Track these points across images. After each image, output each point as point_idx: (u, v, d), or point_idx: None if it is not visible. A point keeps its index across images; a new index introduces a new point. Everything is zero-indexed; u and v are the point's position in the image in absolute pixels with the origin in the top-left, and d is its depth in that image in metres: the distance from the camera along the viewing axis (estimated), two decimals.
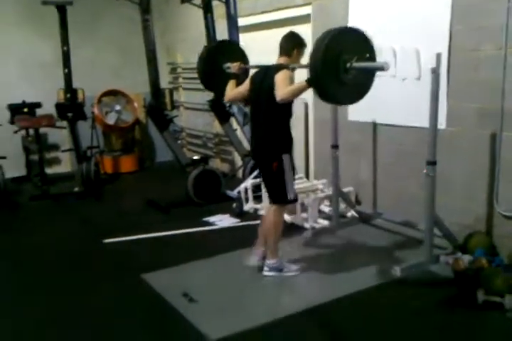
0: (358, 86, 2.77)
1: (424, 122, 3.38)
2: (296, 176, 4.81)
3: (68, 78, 5.18)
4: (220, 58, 3.53)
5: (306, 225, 4.02)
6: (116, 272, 3.37)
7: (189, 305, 2.80)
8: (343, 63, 2.60)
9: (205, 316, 2.69)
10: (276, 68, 2.90)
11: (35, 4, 6.04)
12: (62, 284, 3.20)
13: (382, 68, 2.56)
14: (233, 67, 3.34)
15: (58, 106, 5.25)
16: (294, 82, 2.83)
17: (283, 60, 3.01)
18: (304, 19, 4.67)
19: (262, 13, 5.19)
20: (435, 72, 2.97)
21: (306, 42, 3.09)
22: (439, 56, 2.96)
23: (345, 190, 4.14)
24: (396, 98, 3.83)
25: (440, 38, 3.39)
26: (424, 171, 3.10)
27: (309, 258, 3.48)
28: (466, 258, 3.08)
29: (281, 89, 2.76)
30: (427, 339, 2.48)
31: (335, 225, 3.98)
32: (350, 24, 4.14)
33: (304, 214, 4.12)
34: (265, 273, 3.14)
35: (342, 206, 4.14)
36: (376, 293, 2.93)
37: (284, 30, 3.16)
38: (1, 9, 6.10)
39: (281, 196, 3.07)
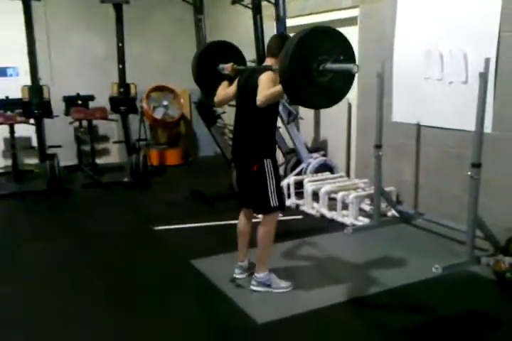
0: (335, 89, 2.58)
1: (469, 125, 3.46)
2: (337, 174, 4.97)
3: (122, 73, 5.44)
4: (216, 59, 3.26)
5: (347, 222, 4.14)
6: (167, 257, 3.58)
7: (237, 290, 2.99)
8: (316, 65, 2.43)
9: (252, 301, 2.88)
10: (261, 70, 2.81)
11: (89, 2, 6.38)
12: (114, 268, 3.42)
13: (350, 70, 2.39)
14: (226, 68, 3.13)
15: (112, 99, 5.53)
16: (277, 84, 2.65)
17: (270, 61, 2.87)
18: (351, 21, 4.78)
19: (310, 14, 5.32)
20: (483, 77, 3.05)
21: None
22: (487, 61, 3.03)
23: (387, 189, 4.23)
24: (441, 101, 3.91)
25: (488, 42, 3.45)
26: (469, 173, 3.18)
27: (350, 254, 3.61)
28: (508, 260, 3.13)
29: (261, 92, 2.64)
30: (473, 336, 2.57)
31: (376, 223, 4.07)
32: (398, 27, 4.24)
33: (345, 211, 4.24)
34: (253, 287, 2.98)
35: (383, 205, 4.23)
36: (416, 289, 3.02)
37: None
38: (60, 7, 6.43)
39: (263, 204, 2.89)
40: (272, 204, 2.88)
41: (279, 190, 2.92)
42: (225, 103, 3.21)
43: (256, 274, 2.99)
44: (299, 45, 2.39)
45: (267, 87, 2.65)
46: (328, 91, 2.55)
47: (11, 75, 6.35)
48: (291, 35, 2.58)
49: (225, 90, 3.09)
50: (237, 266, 3.17)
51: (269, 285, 2.97)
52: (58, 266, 3.47)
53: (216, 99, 3.15)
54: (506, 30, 3.35)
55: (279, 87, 2.56)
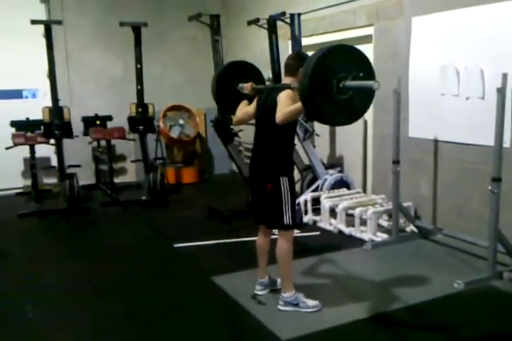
0: (355, 106, 2.59)
1: (486, 140, 3.49)
2: (354, 190, 4.98)
3: (140, 94, 5.55)
4: (234, 78, 3.32)
5: (365, 238, 4.13)
6: (188, 274, 3.60)
7: (259, 307, 2.99)
8: (336, 83, 2.45)
9: (274, 318, 2.87)
10: (280, 89, 2.85)
11: (106, 24, 6.57)
12: (136, 284, 3.44)
13: (370, 87, 2.38)
14: (245, 87, 3.16)
15: (130, 119, 5.63)
16: (296, 102, 2.69)
17: (288, 80, 2.90)
18: (365, 39, 4.85)
19: (324, 33, 5.41)
20: (501, 92, 3.08)
21: None
22: (505, 76, 3.07)
23: (405, 204, 4.23)
24: (458, 116, 3.93)
25: (505, 57, 3.49)
26: (489, 188, 3.18)
27: (370, 270, 3.60)
28: None
29: (280, 110, 2.68)
30: None
31: (394, 239, 4.07)
32: (413, 44, 4.30)
33: (363, 227, 4.24)
34: (280, 307, 2.96)
35: (401, 221, 4.23)
36: (438, 305, 3.00)
37: None
38: (78, 29, 6.62)
39: (276, 220, 2.92)
40: (285, 222, 2.90)
41: (293, 208, 2.93)
42: (244, 122, 3.23)
43: (282, 294, 2.98)
44: (319, 63, 2.42)
45: (286, 104, 2.70)
46: (348, 108, 2.57)
47: (26, 97, 6.50)
48: (309, 53, 2.62)
49: (244, 109, 3.13)
50: (258, 282, 3.18)
51: (296, 305, 2.94)
52: (81, 284, 3.48)
53: (235, 118, 3.19)
54: None
55: (298, 105, 2.60)
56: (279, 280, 3.20)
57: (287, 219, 2.90)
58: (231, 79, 3.34)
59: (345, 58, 2.52)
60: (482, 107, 3.68)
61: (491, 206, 3.21)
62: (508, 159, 3.35)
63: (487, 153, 3.49)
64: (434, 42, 4.10)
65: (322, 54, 2.45)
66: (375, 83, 2.35)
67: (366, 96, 2.61)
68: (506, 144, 3.41)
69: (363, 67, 2.55)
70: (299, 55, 2.98)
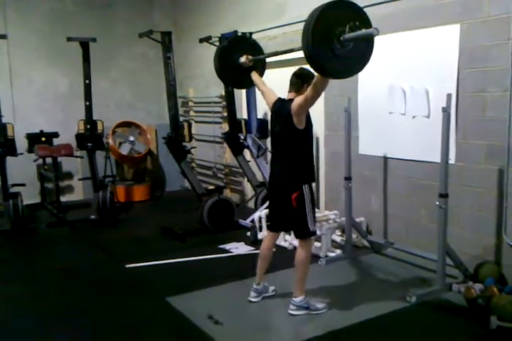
0: (359, 55, 2.66)
1: (432, 157, 3.63)
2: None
3: (89, 110, 5.41)
4: (234, 54, 3.54)
5: (320, 254, 4.17)
6: (142, 295, 3.49)
7: (215, 327, 2.93)
8: (337, 37, 2.49)
9: (232, 337, 2.83)
10: (289, 102, 2.99)
11: (52, 41, 6.42)
12: (87, 307, 3.31)
13: (371, 34, 2.44)
14: (243, 61, 3.46)
15: (78, 136, 5.47)
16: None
17: (293, 96, 3.04)
18: None
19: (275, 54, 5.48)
20: (446, 111, 3.22)
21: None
22: (449, 96, 3.23)
23: (357, 220, 4.31)
24: (406, 134, 4.07)
25: (448, 78, 3.65)
26: (437, 203, 3.30)
27: (325, 286, 3.62)
28: (478, 287, 3.23)
29: (303, 97, 2.86)
30: None
31: (348, 254, 4.13)
32: None
33: (317, 243, 4.27)
34: (292, 312, 3.07)
35: (353, 236, 4.30)
36: (392, 319, 3.05)
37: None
38: (22, 44, 6.40)
39: (302, 229, 3.07)
40: (311, 229, 3.07)
41: (314, 214, 3.09)
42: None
43: (294, 298, 3.08)
44: (316, 23, 2.45)
45: (304, 94, 2.87)
46: (352, 59, 2.62)
47: None
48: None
49: (269, 90, 3.37)
50: (252, 289, 3.26)
51: (307, 308, 3.07)
52: (27, 309, 3.31)
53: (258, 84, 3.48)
54: (465, 67, 3.56)
55: (316, 78, 2.70)
56: (271, 288, 3.33)
57: (311, 226, 3.06)
58: (230, 56, 3.54)
59: (337, 12, 2.54)
60: (428, 125, 3.83)
61: (439, 220, 3.33)
62: (452, 175, 3.50)
63: (433, 170, 3.64)
64: (382, 63, 4.24)
65: (317, 15, 2.47)
66: (375, 30, 2.42)
67: (368, 44, 2.67)
68: (451, 161, 3.57)
69: (357, 16, 2.57)
70: (301, 72, 3.10)
